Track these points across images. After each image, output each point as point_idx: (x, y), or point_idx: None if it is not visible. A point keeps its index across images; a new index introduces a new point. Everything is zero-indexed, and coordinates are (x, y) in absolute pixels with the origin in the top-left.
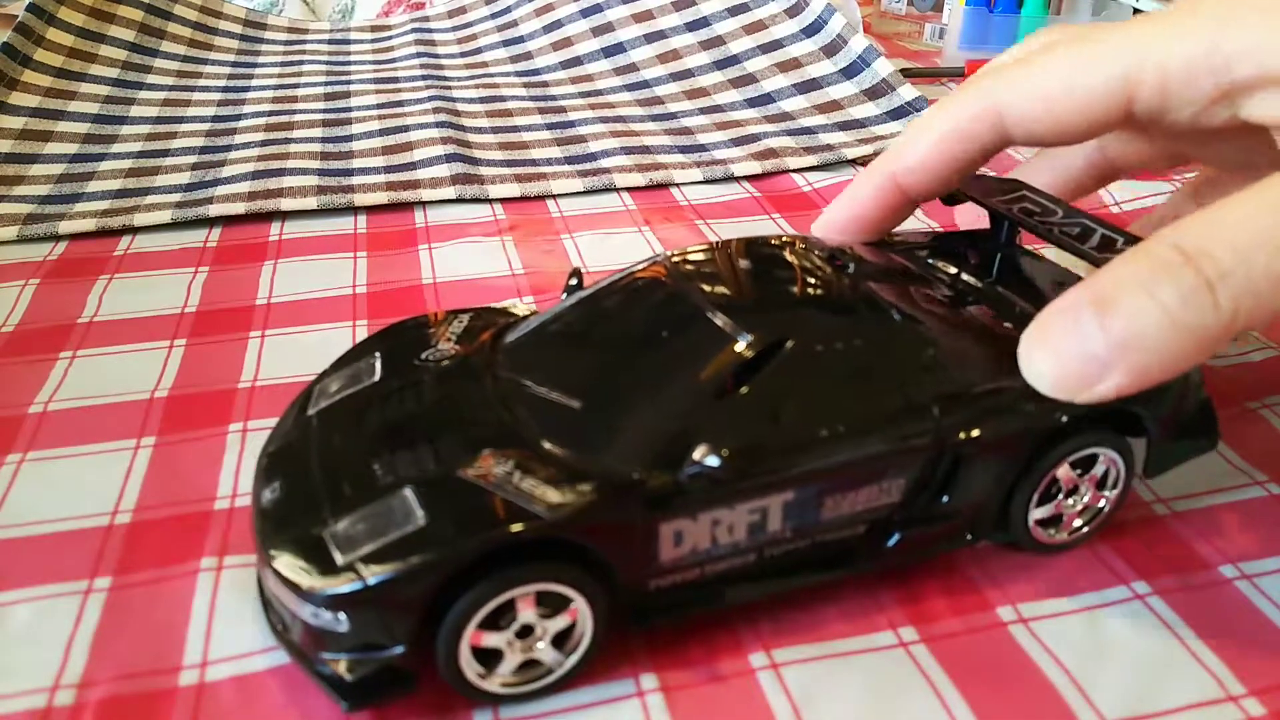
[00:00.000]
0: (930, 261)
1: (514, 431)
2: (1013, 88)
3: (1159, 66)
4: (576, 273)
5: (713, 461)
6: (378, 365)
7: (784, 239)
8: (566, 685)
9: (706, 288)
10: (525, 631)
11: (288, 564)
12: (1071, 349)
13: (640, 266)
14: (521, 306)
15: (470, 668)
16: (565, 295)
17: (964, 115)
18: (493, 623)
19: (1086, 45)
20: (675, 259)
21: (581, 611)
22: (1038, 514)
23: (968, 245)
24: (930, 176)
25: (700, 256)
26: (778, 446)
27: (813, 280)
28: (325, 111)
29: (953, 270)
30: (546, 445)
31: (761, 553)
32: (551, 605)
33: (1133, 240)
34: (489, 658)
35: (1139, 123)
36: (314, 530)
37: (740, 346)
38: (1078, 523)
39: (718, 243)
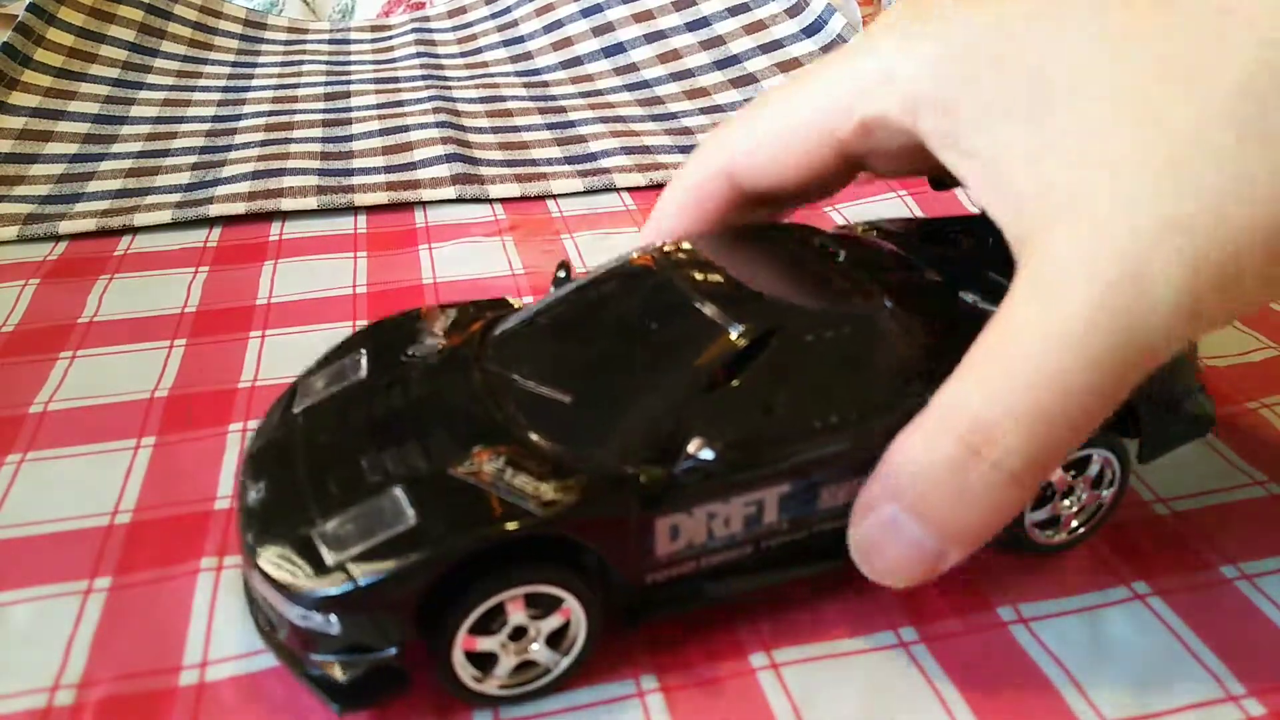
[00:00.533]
0: (922, 247)
1: (504, 427)
2: (736, 144)
3: (852, 113)
4: (565, 265)
5: (707, 455)
6: (364, 362)
7: (774, 227)
8: (566, 685)
9: (696, 277)
10: (519, 633)
11: (274, 565)
12: (908, 558)
13: (629, 256)
14: (510, 300)
15: (465, 671)
16: (554, 288)
17: (698, 180)
18: (484, 626)
19: (794, 95)
20: (665, 249)
21: (574, 611)
22: (1035, 516)
23: (959, 231)
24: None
25: (689, 246)
26: (772, 438)
27: (804, 269)
28: (325, 111)
29: (944, 255)
30: (537, 440)
31: (758, 545)
32: (543, 606)
33: None
34: (485, 660)
35: (859, 158)
36: (302, 530)
37: (732, 337)
38: (1075, 523)
39: (707, 232)
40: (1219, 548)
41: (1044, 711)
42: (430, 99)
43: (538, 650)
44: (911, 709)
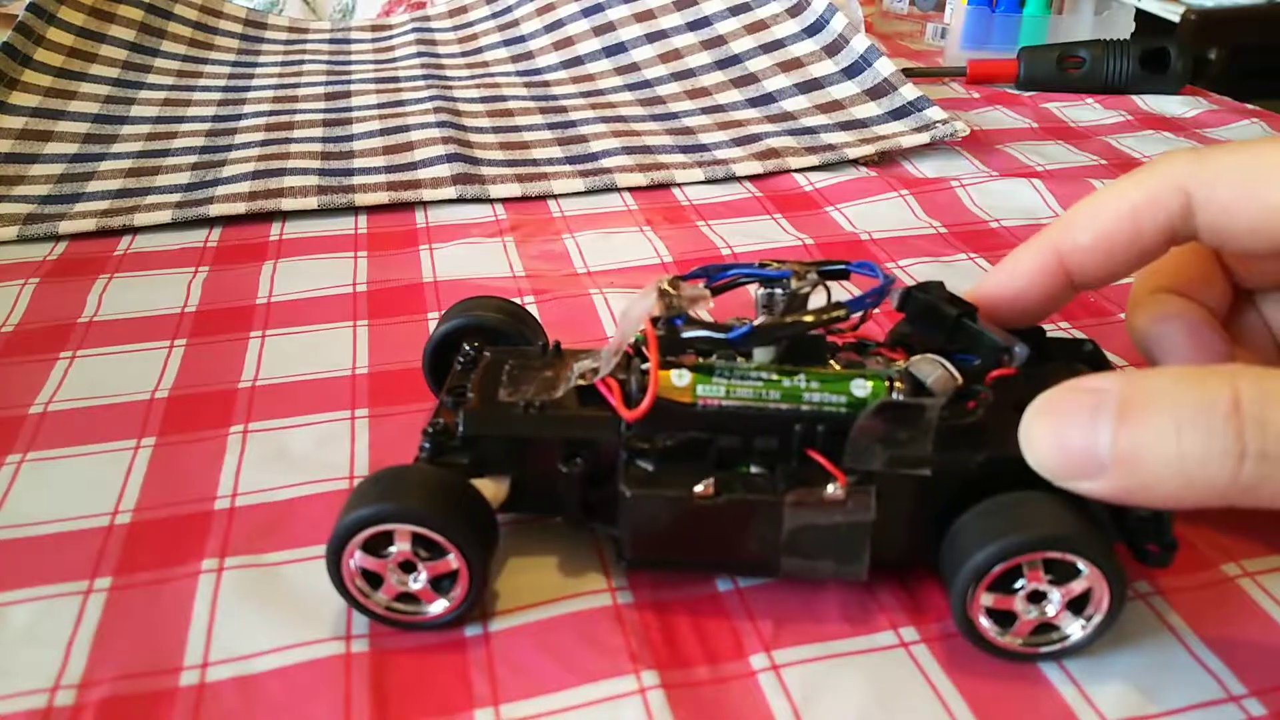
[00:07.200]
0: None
1: None
2: (1206, 165)
3: (1178, 189)
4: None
5: None
6: None
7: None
8: (567, 682)
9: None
10: (409, 566)
11: None
12: (1075, 438)
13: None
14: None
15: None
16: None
17: (1153, 186)
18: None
19: (1121, 181)
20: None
21: (459, 564)
22: (986, 599)
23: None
24: (1102, 258)
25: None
26: None
27: None
28: (326, 111)
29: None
30: None
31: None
32: (433, 551)
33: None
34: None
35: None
36: None
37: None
38: (1019, 640)
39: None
40: (1221, 545)
41: (1044, 711)
42: (431, 99)
43: (419, 586)
44: (911, 709)
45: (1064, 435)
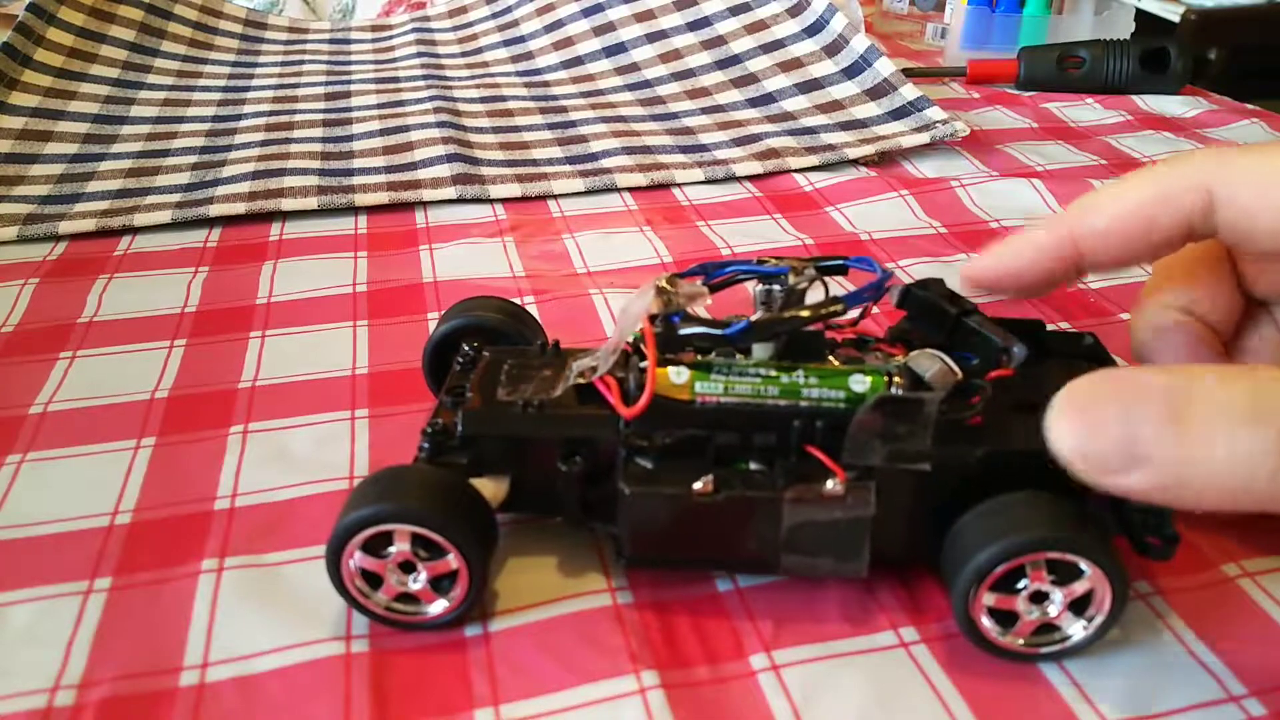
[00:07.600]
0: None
1: None
2: (1229, 165)
3: (1198, 187)
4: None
5: None
6: None
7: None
8: (568, 682)
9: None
10: (409, 567)
11: None
12: (1112, 430)
13: None
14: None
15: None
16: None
17: (1173, 183)
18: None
19: (1141, 174)
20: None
21: (457, 564)
22: (989, 599)
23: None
24: (1115, 245)
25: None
26: None
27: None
28: (326, 111)
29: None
30: None
31: None
32: (433, 551)
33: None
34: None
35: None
36: None
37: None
38: (1021, 640)
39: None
40: (1221, 545)
41: (1044, 712)
42: (431, 99)
43: (418, 586)
44: (911, 709)
45: (1099, 427)
